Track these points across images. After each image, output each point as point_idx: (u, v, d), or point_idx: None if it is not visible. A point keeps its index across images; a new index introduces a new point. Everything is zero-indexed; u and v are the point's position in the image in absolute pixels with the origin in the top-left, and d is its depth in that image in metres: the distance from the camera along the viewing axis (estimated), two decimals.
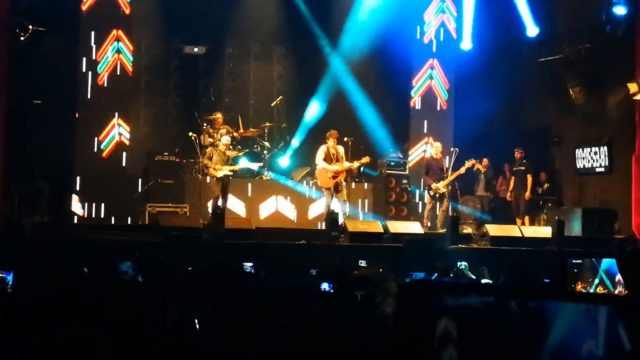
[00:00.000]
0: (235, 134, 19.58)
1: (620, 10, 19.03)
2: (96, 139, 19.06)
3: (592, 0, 19.76)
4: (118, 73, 19.26)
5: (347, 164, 18.39)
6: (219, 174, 17.73)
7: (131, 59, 19.36)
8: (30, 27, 17.45)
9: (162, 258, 4.77)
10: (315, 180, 19.16)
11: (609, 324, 2.33)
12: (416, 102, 21.78)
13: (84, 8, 19.07)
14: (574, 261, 7.05)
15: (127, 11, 19.27)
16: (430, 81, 21.80)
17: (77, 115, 19.20)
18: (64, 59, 18.68)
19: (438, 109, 21.80)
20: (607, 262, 6.77)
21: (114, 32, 19.24)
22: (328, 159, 18.47)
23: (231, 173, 18.08)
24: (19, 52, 17.33)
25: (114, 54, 19.20)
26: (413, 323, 2.47)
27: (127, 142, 19.32)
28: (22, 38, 17.37)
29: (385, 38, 20.76)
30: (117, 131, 19.13)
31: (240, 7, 21.29)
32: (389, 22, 20.48)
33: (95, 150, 19.07)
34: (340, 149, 18.49)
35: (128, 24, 19.53)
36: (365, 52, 20.91)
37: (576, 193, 21.21)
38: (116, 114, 19.13)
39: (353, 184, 19.58)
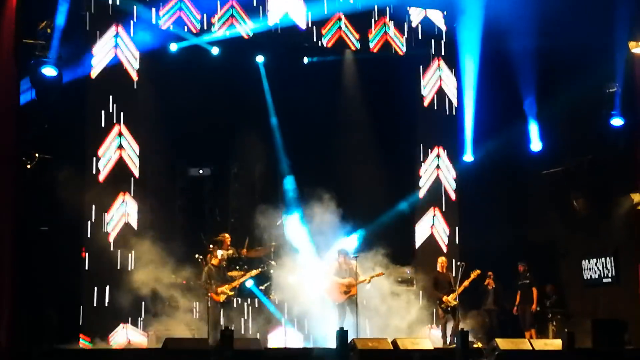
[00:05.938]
0: (241, 254, 19.59)
1: (617, 122, 19.18)
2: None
3: (592, 113, 19.90)
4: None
5: (361, 278, 18.31)
6: (222, 298, 17.68)
7: (137, 216, 19.64)
8: (37, 155, 17.57)
9: None
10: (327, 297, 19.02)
11: None
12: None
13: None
14: None
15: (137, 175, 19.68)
16: (432, 228, 22.06)
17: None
18: (71, 189, 18.71)
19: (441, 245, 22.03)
20: None
21: (121, 195, 19.57)
22: (340, 274, 18.39)
23: (232, 293, 18.01)
24: (25, 180, 17.37)
25: (121, 214, 19.54)
26: None
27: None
28: (28, 166, 17.45)
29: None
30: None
31: (243, 128, 21.52)
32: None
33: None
34: (354, 264, 18.38)
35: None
36: None
37: (585, 304, 21.06)
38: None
39: (364, 301, 19.47)
